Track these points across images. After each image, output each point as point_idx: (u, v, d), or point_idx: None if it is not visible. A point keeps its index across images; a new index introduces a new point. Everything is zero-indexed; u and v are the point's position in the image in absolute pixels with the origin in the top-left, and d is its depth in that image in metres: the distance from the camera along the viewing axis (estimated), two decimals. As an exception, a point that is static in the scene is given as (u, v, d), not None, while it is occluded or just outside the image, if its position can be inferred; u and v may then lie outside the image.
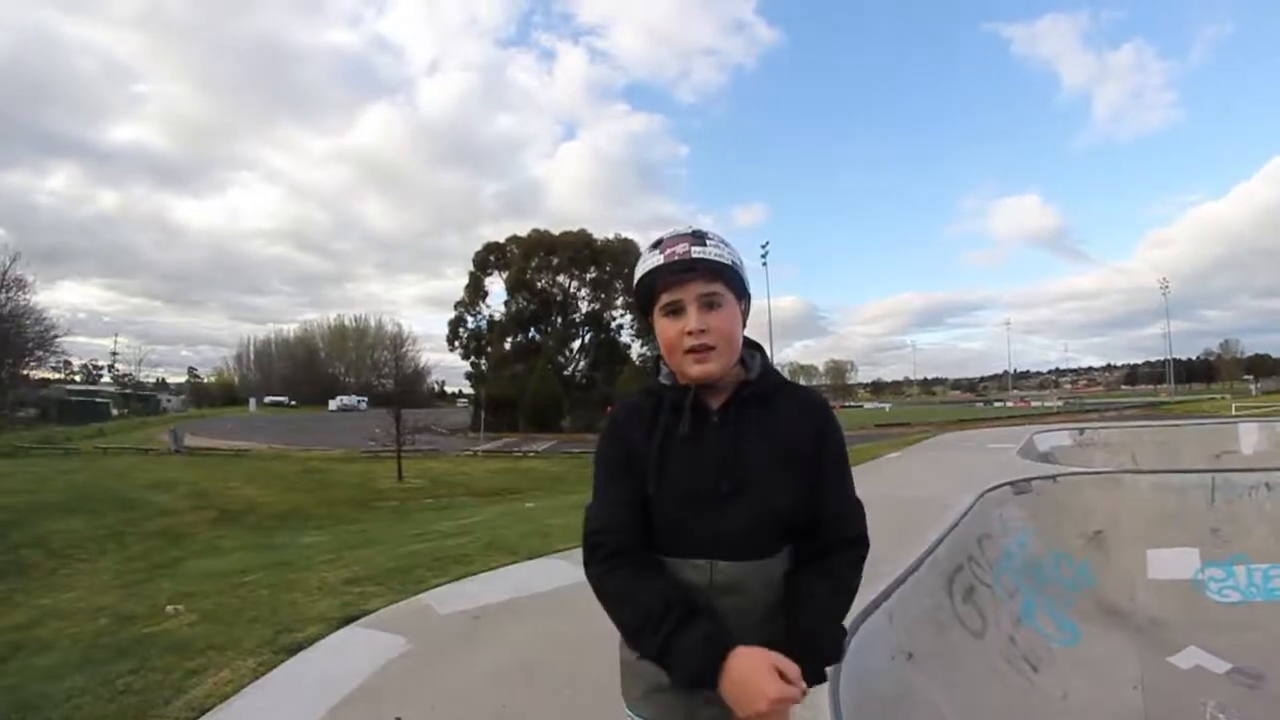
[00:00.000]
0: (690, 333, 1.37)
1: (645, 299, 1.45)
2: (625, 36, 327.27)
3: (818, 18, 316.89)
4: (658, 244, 1.43)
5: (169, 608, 6.36)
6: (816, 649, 1.34)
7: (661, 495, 1.40)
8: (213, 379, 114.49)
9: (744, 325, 1.48)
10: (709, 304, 1.39)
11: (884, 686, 3.54)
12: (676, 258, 1.38)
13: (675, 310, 1.40)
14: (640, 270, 1.44)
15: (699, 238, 1.41)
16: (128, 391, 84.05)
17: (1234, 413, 32.25)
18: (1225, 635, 5.86)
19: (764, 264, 64.46)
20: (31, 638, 6.67)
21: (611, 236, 58.39)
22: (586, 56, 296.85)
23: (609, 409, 1.61)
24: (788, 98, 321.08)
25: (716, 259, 1.39)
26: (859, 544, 1.48)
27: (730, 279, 1.42)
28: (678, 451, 1.41)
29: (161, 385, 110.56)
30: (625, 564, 1.39)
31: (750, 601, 1.40)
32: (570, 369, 58.64)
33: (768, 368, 1.52)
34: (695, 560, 1.40)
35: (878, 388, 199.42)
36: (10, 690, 4.40)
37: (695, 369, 1.39)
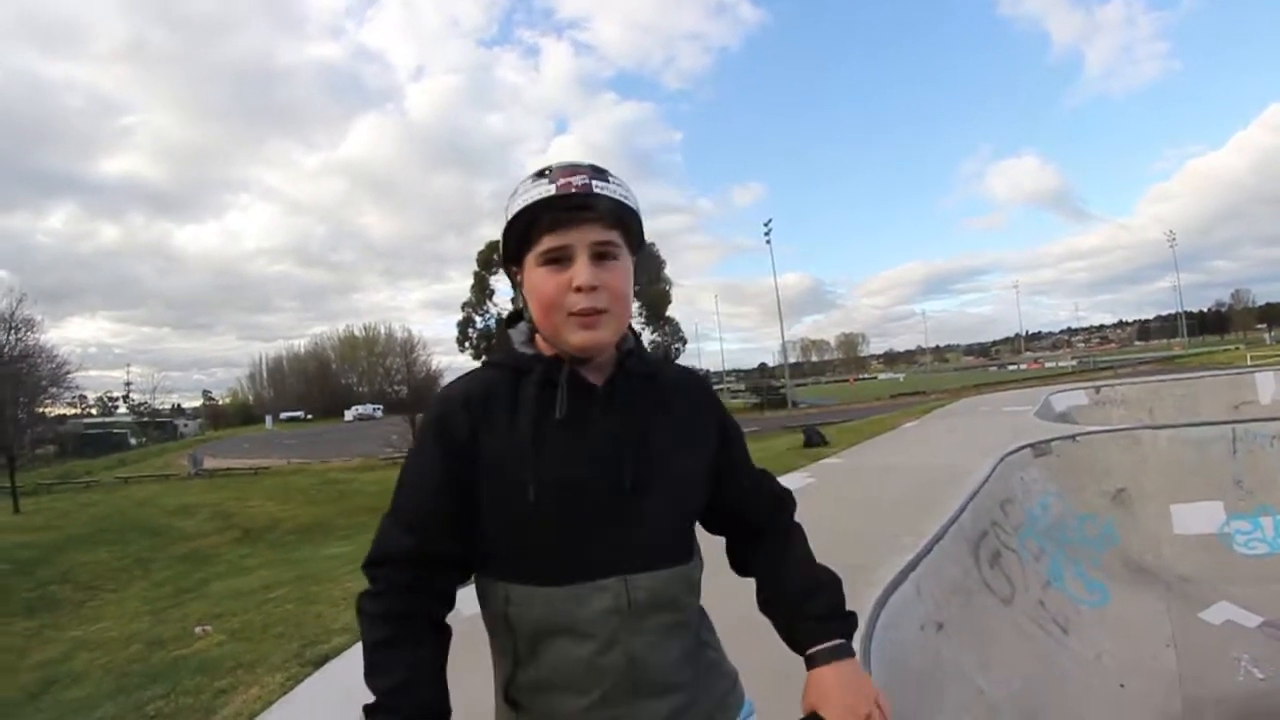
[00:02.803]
0: (580, 289, 1.08)
1: (518, 242, 1.13)
2: (608, 27, 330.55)
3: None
4: (543, 173, 1.12)
5: (197, 629, 6.40)
6: (850, 620, 1.23)
7: (544, 501, 1.07)
8: (227, 400, 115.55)
9: None
10: (602, 255, 1.10)
11: (914, 658, 3.50)
12: (574, 189, 1.08)
13: (558, 259, 1.09)
14: (518, 202, 1.11)
15: (599, 172, 1.12)
16: (144, 420, 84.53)
17: (1250, 362, 31.86)
18: (1255, 588, 5.77)
19: (768, 242, 64.78)
20: (64, 671, 6.74)
21: None
22: (571, 50, 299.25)
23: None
24: (776, 75, 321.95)
25: (621, 199, 1.12)
26: (787, 506, 1.37)
27: (630, 228, 1.16)
28: (557, 441, 1.10)
29: (177, 411, 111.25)
30: (409, 625, 1.08)
31: (679, 618, 1.17)
32: None
33: (641, 345, 1.27)
34: (601, 580, 1.09)
35: (890, 358, 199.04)
36: None
37: (580, 335, 1.09)
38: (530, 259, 1.12)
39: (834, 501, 6.55)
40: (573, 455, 1.10)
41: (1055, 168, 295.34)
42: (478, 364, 1.26)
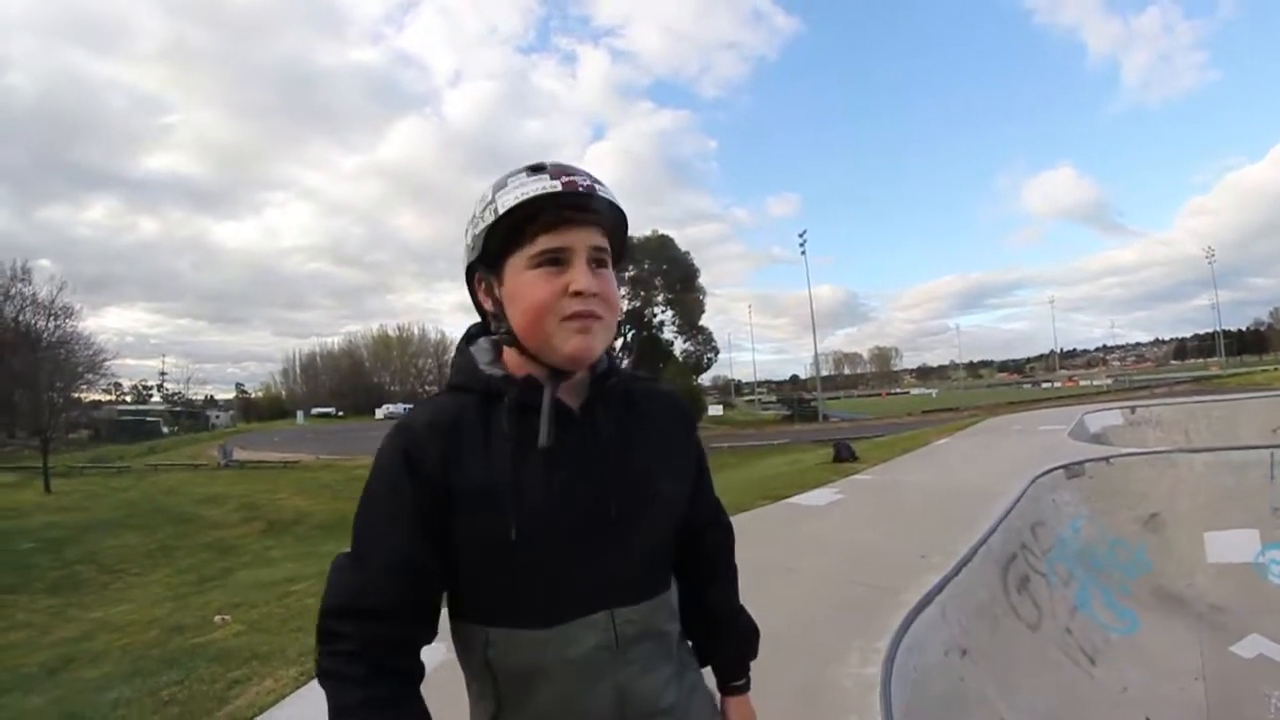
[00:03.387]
0: (579, 293, 1.00)
1: (504, 240, 1.03)
2: (644, 35, 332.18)
3: (835, 2, 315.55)
4: (540, 168, 1.04)
5: (216, 618, 6.44)
6: (750, 655, 1.32)
7: (528, 539, 0.99)
8: (260, 393, 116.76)
9: None
10: (599, 261, 1.05)
11: (937, 683, 3.44)
12: (580, 188, 1.01)
13: (556, 260, 1.01)
14: (513, 195, 1.01)
15: (595, 179, 1.06)
16: (177, 410, 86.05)
17: (1290, 385, 31.10)
18: None
19: (803, 253, 64.48)
20: (83, 650, 6.81)
21: (649, 233, 58.03)
22: (608, 57, 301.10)
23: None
24: (812, 85, 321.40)
25: (619, 204, 1.07)
26: (730, 535, 1.36)
27: (619, 238, 1.11)
28: (538, 472, 1.01)
29: (210, 402, 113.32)
30: (389, 684, 0.97)
31: (663, 645, 1.14)
32: None
33: (614, 362, 1.20)
34: (589, 617, 1.04)
35: (923, 373, 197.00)
36: (60, 701, 4.51)
37: (575, 341, 1.01)
38: (517, 260, 1.03)
39: (862, 519, 6.50)
40: (556, 487, 1.02)
41: (1091, 180, 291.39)
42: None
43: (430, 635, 1.03)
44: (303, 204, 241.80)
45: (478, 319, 1.17)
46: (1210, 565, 6.40)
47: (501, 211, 1.01)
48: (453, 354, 1.19)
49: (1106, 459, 7.70)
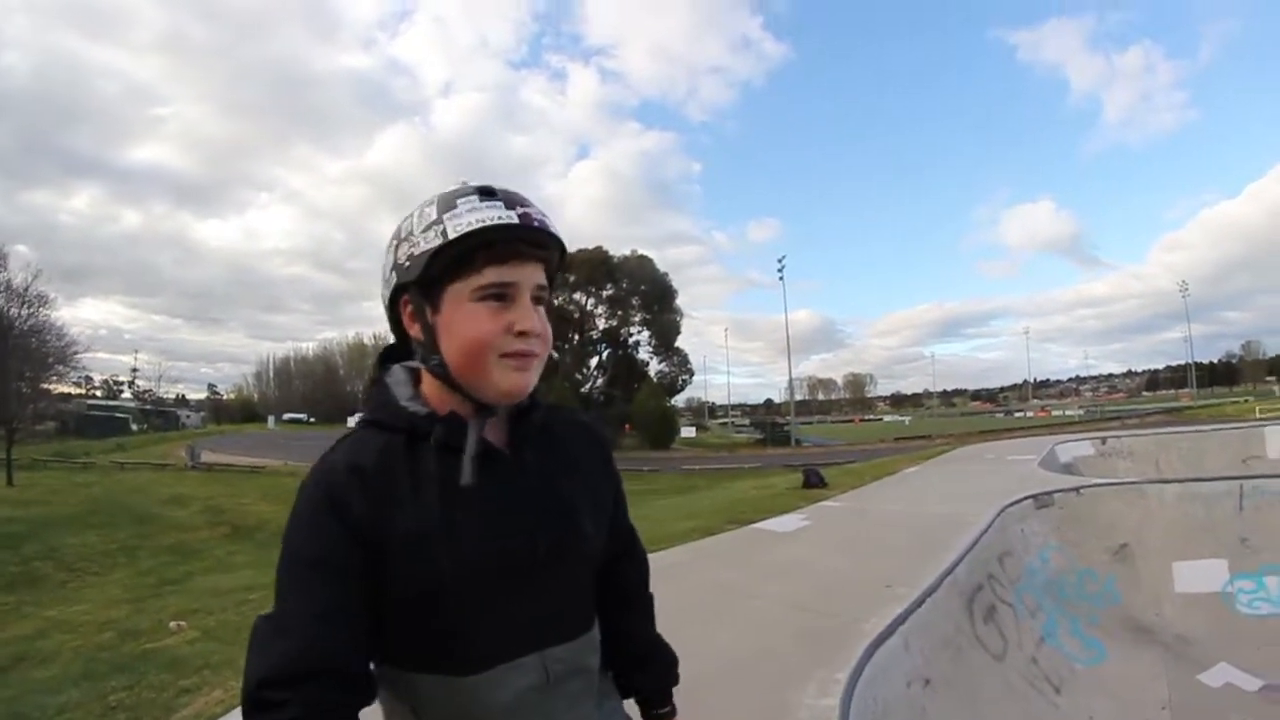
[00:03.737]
0: (523, 332, 0.97)
1: (451, 265, 0.96)
2: (634, 56, 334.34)
3: (823, 32, 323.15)
4: (491, 192, 0.98)
5: (172, 624, 6.33)
6: (672, 683, 1.30)
7: (458, 585, 0.95)
8: (232, 396, 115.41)
9: None
10: (539, 299, 1.02)
11: (899, 715, 3.41)
12: (537, 223, 0.97)
13: (501, 296, 0.97)
14: (466, 220, 0.95)
15: (541, 210, 1.02)
16: (148, 407, 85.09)
17: (1259, 415, 31.57)
18: (1256, 650, 5.66)
19: (781, 278, 65.08)
20: (36, 649, 6.69)
21: (628, 253, 58.41)
22: (597, 76, 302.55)
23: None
24: (797, 112, 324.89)
25: (562, 239, 1.03)
26: (646, 566, 1.35)
27: (555, 271, 1.07)
28: (467, 514, 0.97)
29: (181, 401, 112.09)
30: None
31: (588, 681, 1.11)
32: (588, 386, 58.18)
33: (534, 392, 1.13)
34: (520, 660, 1.00)
35: (897, 400, 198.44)
36: (7, 702, 4.43)
37: (512, 379, 0.98)
38: (460, 290, 0.97)
39: (828, 546, 6.47)
40: (485, 529, 0.98)
41: (1069, 214, 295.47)
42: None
43: (371, 692, 0.95)
44: (287, 206, 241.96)
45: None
46: (1178, 595, 6.46)
47: (452, 236, 0.94)
48: (367, 382, 1.15)
49: (1076, 489, 7.77)
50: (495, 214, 0.94)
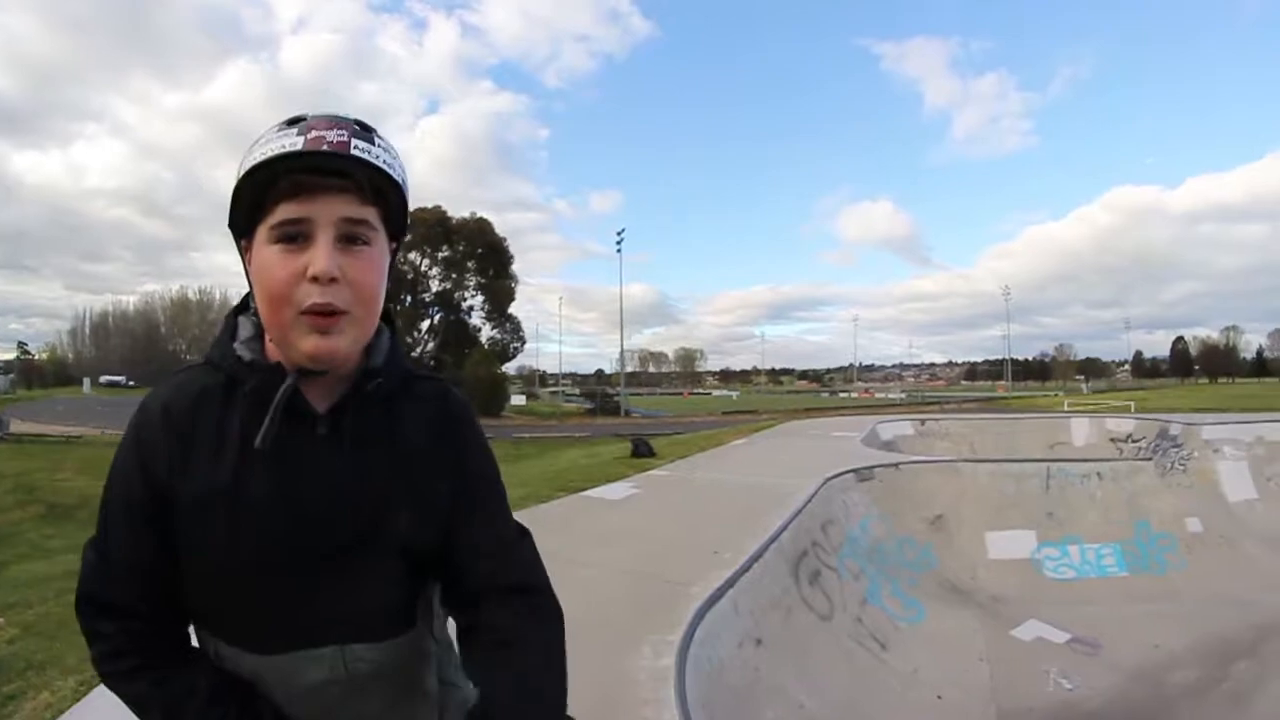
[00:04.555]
0: (316, 278, 0.84)
1: (249, 208, 0.88)
2: (500, 13, 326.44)
3: (692, 16, 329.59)
4: (295, 121, 0.87)
5: (-16, 620, 5.79)
6: None
7: (239, 560, 0.88)
8: (45, 355, 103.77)
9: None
10: (351, 237, 0.87)
11: (733, 675, 3.60)
12: (326, 146, 0.84)
13: (294, 236, 0.85)
14: (254, 155, 0.86)
15: (363, 130, 0.89)
16: (-59, 369, 75.92)
17: (1066, 408, 34.89)
18: (1062, 608, 6.52)
19: (618, 250, 65.08)
20: None
21: (467, 215, 56.69)
22: (458, 29, 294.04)
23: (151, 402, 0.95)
24: (654, 90, 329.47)
25: (385, 166, 0.89)
26: (532, 595, 1.02)
27: (391, 205, 0.92)
28: (260, 483, 0.88)
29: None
30: (170, 664, 0.92)
31: (412, 685, 1.04)
32: (418, 350, 56.32)
33: (396, 352, 1.02)
34: (314, 650, 0.93)
35: (726, 376, 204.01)
36: None
37: (310, 342, 0.86)
38: (260, 232, 0.87)
39: (656, 514, 6.64)
40: (276, 504, 0.89)
41: (907, 216, 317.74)
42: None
43: (184, 638, 0.96)
44: (114, 141, 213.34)
45: None
46: (991, 561, 7.23)
47: (242, 173, 0.87)
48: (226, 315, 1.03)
49: (896, 465, 8.49)
50: (280, 144, 0.84)
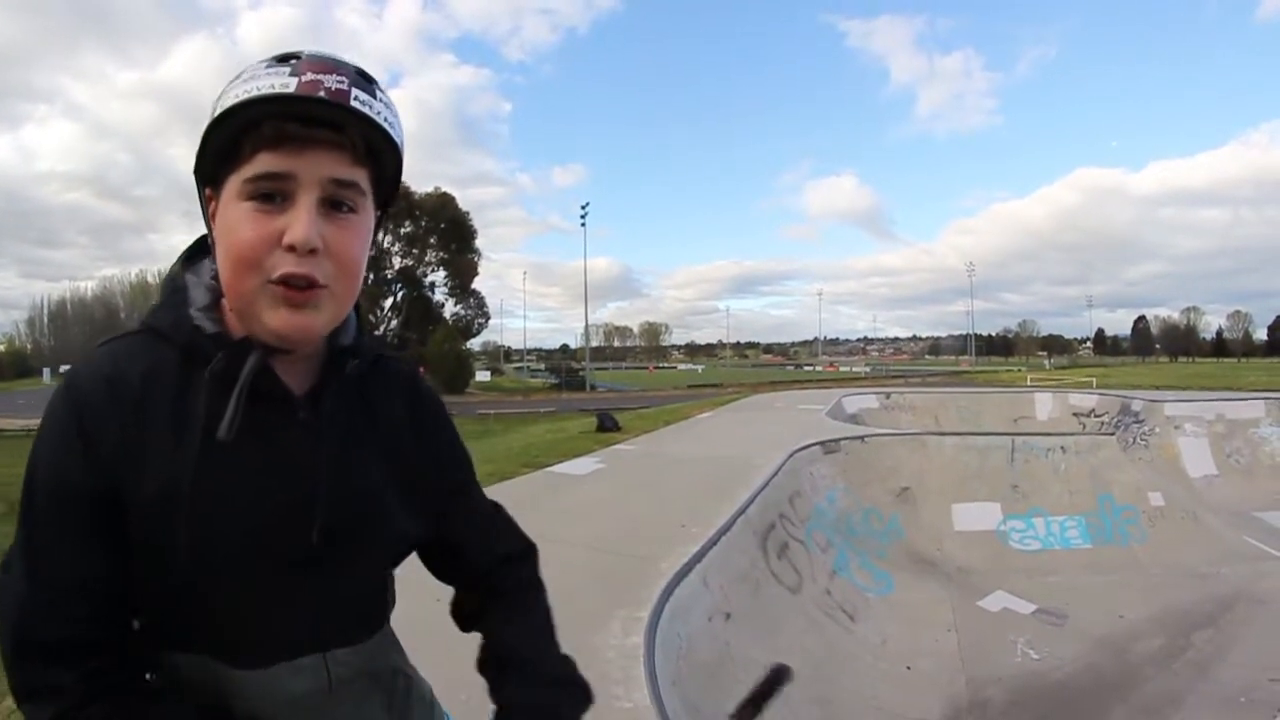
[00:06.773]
0: (293, 247, 0.72)
1: (222, 152, 0.75)
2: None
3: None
4: (288, 59, 0.74)
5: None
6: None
7: (204, 561, 0.74)
8: (2, 347, 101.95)
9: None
10: (337, 203, 0.75)
11: (703, 648, 3.57)
12: (323, 93, 0.72)
13: (271, 194, 0.73)
14: (235, 92, 0.73)
15: (364, 80, 0.76)
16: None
17: (1029, 383, 35.42)
18: (1028, 580, 6.59)
19: (583, 224, 65.77)
20: None
21: (430, 190, 56.33)
22: (419, 2, 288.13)
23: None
24: (617, 64, 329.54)
25: (386, 124, 0.77)
26: (528, 557, 1.06)
27: (385, 169, 0.81)
28: (227, 472, 0.76)
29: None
30: (109, 708, 0.72)
31: (380, 680, 0.94)
32: (381, 328, 55.78)
33: (363, 329, 0.91)
34: (297, 660, 0.82)
35: (691, 350, 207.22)
36: None
37: (280, 318, 0.74)
38: (232, 184, 0.74)
39: (623, 488, 6.61)
40: (253, 499, 0.77)
41: (871, 190, 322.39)
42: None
43: (149, 649, 0.80)
44: (67, 122, 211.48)
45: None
46: (957, 532, 7.27)
47: (218, 112, 0.74)
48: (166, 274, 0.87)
49: (862, 438, 8.52)
50: (269, 83, 0.71)
